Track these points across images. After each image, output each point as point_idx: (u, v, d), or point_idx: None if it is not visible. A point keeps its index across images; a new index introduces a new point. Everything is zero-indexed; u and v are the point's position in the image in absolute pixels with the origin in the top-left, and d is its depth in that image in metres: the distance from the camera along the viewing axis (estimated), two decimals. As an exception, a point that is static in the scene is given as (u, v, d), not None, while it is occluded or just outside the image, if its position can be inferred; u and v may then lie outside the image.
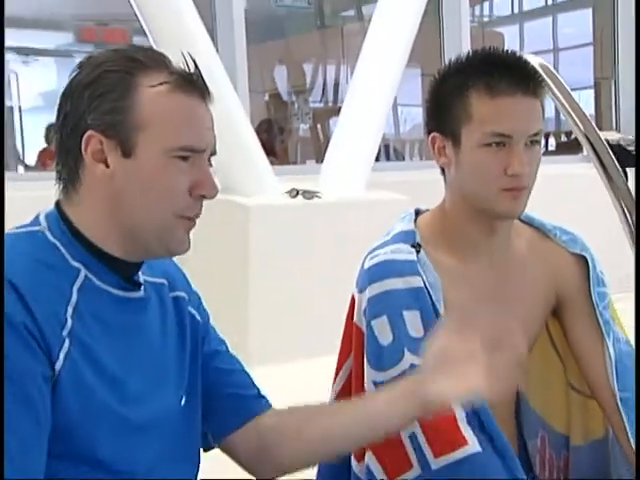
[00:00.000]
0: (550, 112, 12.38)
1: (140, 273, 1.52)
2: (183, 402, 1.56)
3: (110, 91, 1.41)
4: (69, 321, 1.39)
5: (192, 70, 1.46)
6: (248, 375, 1.69)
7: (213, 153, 1.49)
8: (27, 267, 1.39)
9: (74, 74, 1.46)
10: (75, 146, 1.42)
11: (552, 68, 2.45)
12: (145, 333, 1.51)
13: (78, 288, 1.42)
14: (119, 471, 1.44)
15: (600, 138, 2.46)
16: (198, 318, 1.63)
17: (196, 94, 1.45)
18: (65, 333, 1.38)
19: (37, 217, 1.49)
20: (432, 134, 1.81)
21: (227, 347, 1.70)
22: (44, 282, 1.39)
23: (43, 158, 10.39)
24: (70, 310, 1.40)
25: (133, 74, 1.42)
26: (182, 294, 1.61)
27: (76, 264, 1.44)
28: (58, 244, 1.44)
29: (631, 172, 2.62)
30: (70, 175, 1.45)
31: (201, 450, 1.64)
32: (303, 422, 1.64)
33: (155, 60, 1.45)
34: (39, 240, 1.45)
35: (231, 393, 1.65)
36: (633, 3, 7.99)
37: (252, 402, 1.67)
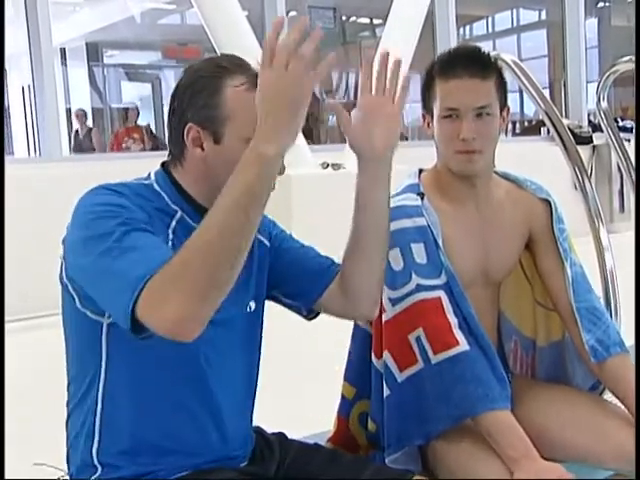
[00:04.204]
0: (515, 107, 12.27)
1: None
2: (252, 309, 1.52)
3: (202, 91, 1.37)
4: (171, 236, 1.38)
5: None
6: (321, 254, 1.61)
7: None
8: (135, 199, 1.36)
9: (179, 79, 1.43)
10: (180, 134, 1.40)
11: (523, 65, 2.37)
12: None
13: (177, 221, 1.41)
14: (194, 352, 1.39)
15: (559, 118, 2.39)
16: (266, 243, 1.56)
17: None
18: (170, 235, 1.37)
19: (149, 174, 1.47)
20: (422, 112, 1.79)
21: (303, 244, 1.63)
22: (151, 213, 1.36)
23: (117, 136, 10.27)
24: (170, 231, 1.39)
25: (220, 77, 1.38)
26: None
27: (174, 207, 1.42)
28: (162, 193, 1.43)
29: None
30: (177, 153, 1.43)
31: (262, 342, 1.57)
32: (349, 249, 1.55)
33: (238, 65, 1.40)
34: (148, 189, 1.43)
35: (311, 268, 1.57)
36: (578, 24, 7.91)
37: (329, 268, 1.57)
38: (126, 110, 10.81)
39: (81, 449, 1.41)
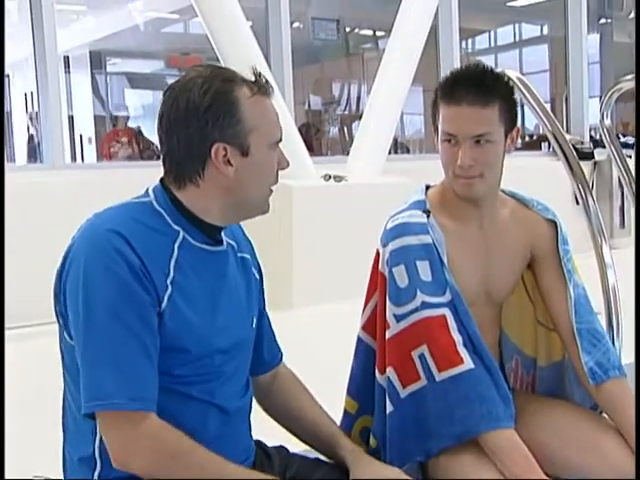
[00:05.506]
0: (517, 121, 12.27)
1: (222, 234, 1.49)
2: (254, 325, 1.55)
3: (226, 111, 1.38)
4: (172, 272, 1.37)
5: (263, 79, 1.44)
6: (275, 340, 1.69)
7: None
8: (136, 229, 1.36)
9: (185, 98, 1.38)
10: (202, 154, 1.39)
11: (527, 81, 2.38)
12: (227, 277, 1.48)
13: (178, 245, 1.40)
14: (198, 383, 1.41)
15: (563, 134, 2.40)
16: (257, 277, 1.60)
17: (269, 94, 1.45)
18: (169, 281, 1.36)
19: (146, 191, 1.46)
20: (433, 127, 1.78)
21: (269, 319, 1.68)
22: (150, 241, 1.36)
23: (106, 138, 9.96)
24: (172, 263, 1.38)
25: (233, 92, 1.39)
26: (247, 256, 1.58)
27: (176, 227, 1.41)
28: (163, 212, 1.42)
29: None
30: (191, 173, 1.41)
31: None
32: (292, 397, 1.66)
33: (236, 76, 1.42)
34: (147, 208, 1.42)
35: (263, 343, 1.63)
36: (580, 40, 7.92)
37: (276, 353, 1.67)
38: (116, 117, 10.53)
39: (82, 474, 1.40)
